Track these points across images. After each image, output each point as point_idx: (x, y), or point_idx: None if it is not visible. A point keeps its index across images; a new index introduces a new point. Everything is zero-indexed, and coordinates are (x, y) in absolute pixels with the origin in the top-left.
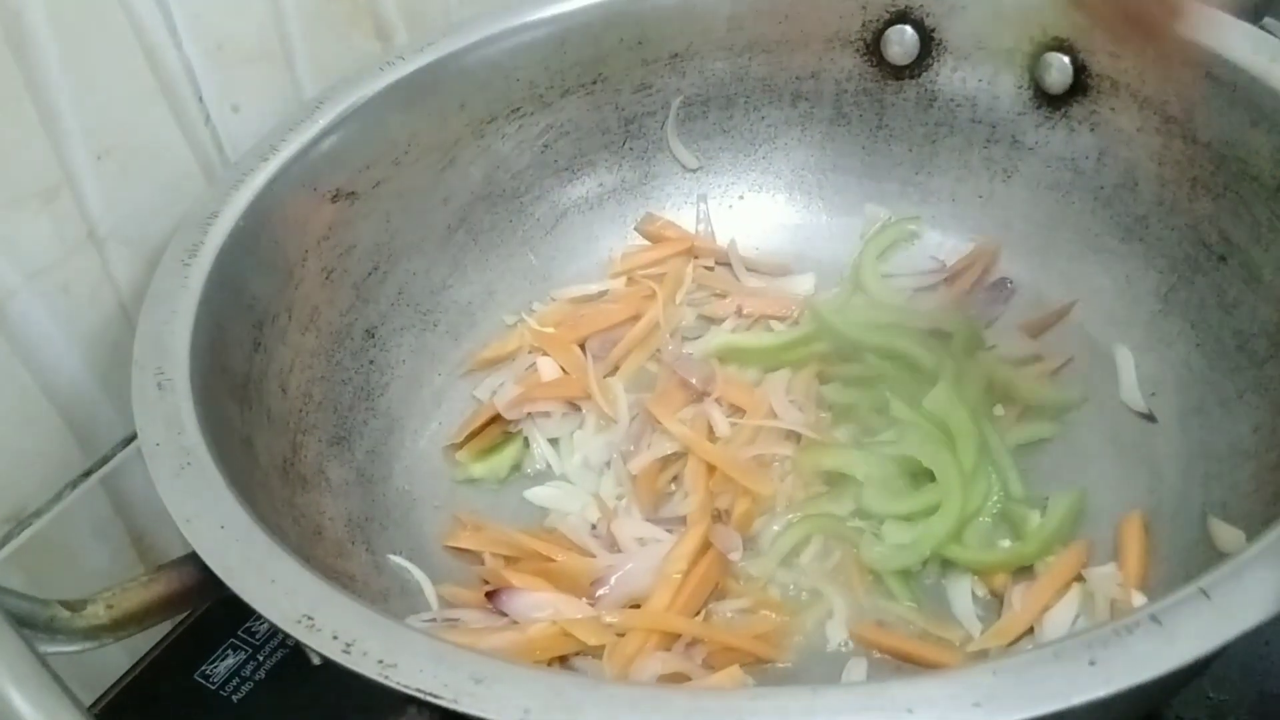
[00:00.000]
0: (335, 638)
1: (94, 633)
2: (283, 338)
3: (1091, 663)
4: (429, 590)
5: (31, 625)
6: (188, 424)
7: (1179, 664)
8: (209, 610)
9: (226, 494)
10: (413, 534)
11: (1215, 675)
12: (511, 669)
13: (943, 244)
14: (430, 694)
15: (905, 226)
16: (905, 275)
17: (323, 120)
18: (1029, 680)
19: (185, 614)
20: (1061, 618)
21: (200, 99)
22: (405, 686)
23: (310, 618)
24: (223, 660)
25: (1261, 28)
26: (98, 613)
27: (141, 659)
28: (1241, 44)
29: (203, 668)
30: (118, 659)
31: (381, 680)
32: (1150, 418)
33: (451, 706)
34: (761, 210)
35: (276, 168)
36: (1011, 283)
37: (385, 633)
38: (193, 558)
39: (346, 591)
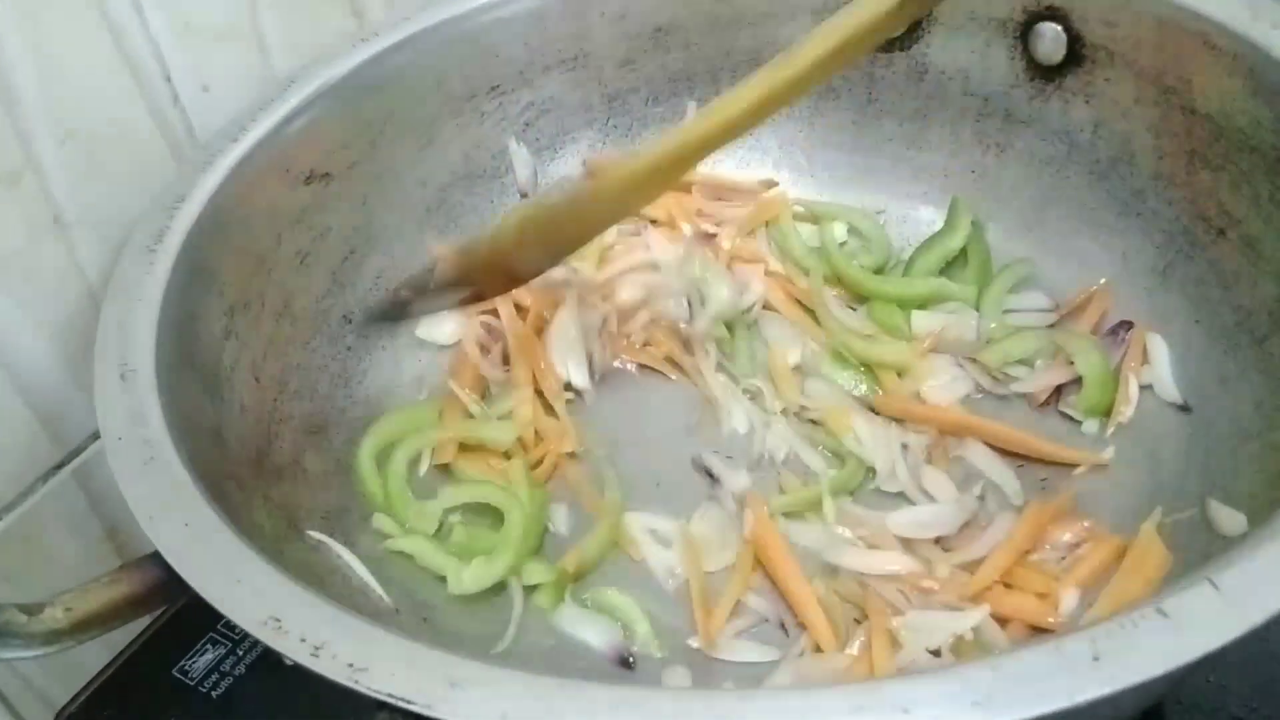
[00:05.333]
0: (303, 640)
1: (52, 637)
2: (255, 325)
3: (1095, 658)
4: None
5: None
6: (152, 417)
7: (1188, 659)
8: (187, 604)
9: (192, 490)
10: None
11: (1214, 658)
12: (488, 671)
13: (935, 221)
14: (403, 699)
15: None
16: (1020, 311)
17: (294, 99)
18: (1030, 678)
19: (150, 616)
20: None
21: (168, 79)
22: (377, 692)
23: (277, 619)
24: (202, 655)
25: None
26: (55, 616)
27: (119, 654)
28: (1241, 11)
29: (181, 663)
30: (96, 654)
31: (352, 685)
32: (1186, 408)
33: (425, 712)
34: None
35: (246, 149)
36: (1130, 325)
37: (356, 634)
38: (156, 557)
39: (316, 591)
